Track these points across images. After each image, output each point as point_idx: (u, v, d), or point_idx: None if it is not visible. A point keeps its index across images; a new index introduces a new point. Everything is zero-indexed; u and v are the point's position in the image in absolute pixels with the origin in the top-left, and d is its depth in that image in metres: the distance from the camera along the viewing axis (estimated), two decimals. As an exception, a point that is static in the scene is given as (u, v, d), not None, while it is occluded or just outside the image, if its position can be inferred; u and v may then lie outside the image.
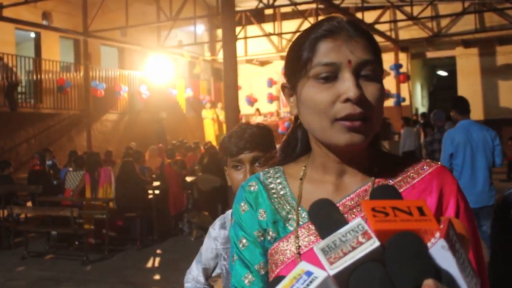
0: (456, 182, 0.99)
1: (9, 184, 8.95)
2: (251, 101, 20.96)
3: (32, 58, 14.68)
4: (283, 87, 1.06)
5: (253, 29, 20.06)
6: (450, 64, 20.59)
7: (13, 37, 14.69)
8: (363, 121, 0.92)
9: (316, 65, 0.93)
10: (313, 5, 17.06)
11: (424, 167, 1.00)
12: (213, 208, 8.82)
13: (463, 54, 18.81)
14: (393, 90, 18.91)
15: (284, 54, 1.05)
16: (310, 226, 0.98)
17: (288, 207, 1.03)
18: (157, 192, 8.82)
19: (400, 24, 18.75)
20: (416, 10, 16.56)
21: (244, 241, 1.05)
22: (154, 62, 18.05)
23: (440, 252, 0.58)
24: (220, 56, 18.10)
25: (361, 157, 1.00)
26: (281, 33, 18.80)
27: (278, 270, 0.99)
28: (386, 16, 18.79)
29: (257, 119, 18.62)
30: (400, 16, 18.19)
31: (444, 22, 18.22)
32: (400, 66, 18.98)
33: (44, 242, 8.30)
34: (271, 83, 19.94)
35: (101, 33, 15.44)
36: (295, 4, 17.10)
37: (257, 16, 19.83)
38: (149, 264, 7.48)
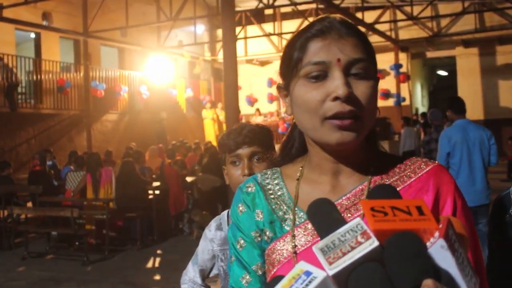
0: (454, 181, 0.99)
1: (9, 184, 8.95)
2: (251, 101, 20.98)
3: (32, 58, 14.69)
4: (278, 87, 1.07)
5: (253, 29, 20.06)
6: (450, 64, 20.60)
7: (13, 38, 14.70)
8: (354, 119, 0.92)
9: (306, 64, 0.94)
10: (313, 5, 17.07)
11: (421, 166, 1.00)
12: (213, 208, 8.82)
13: (463, 54, 18.81)
14: (393, 90, 18.93)
15: (283, 54, 1.06)
16: (306, 225, 0.99)
17: (285, 208, 1.04)
18: (157, 192, 8.82)
19: (400, 24, 18.76)
20: (416, 10, 16.56)
21: (241, 241, 1.06)
22: (154, 62, 18.06)
23: (439, 251, 0.58)
24: (220, 56, 18.10)
25: (357, 157, 1.01)
26: (281, 33, 18.80)
27: (275, 270, 1.00)
28: (386, 16, 18.79)
29: (257, 119, 18.63)
30: (400, 16, 18.19)
31: (444, 22, 18.23)
32: (400, 66, 18.99)
33: (45, 242, 8.30)
34: (271, 83, 19.95)
35: (101, 33, 15.44)
36: (295, 4, 17.11)
37: (257, 16, 19.83)
38: (150, 264, 7.48)
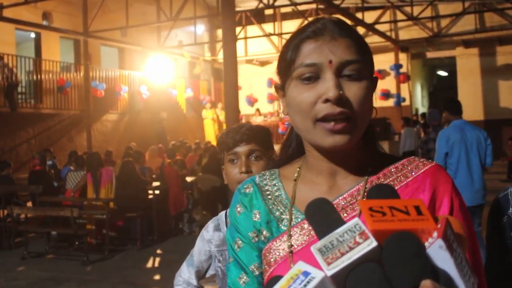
0: (451, 180, 0.99)
1: (9, 184, 8.95)
2: (251, 101, 20.98)
3: (32, 58, 14.70)
4: (276, 87, 1.07)
5: (253, 29, 20.06)
6: (450, 64, 20.60)
7: (13, 37, 14.70)
8: (346, 121, 0.92)
9: (298, 66, 0.95)
10: (313, 5, 17.08)
11: (419, 166, 1.01)
12: (213, 208, 8.82)
13: (463, 54, 18.81)
14: (393, 90, 18.93)
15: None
16: (303, 225, 1.00)
17: (282, 208, 1.05)
18: (157, 192, 8.82)
19: (400, 24, 18.76)
20: (416, 10, 16.56)
21: (239, 242, 1.07)
22: (154, 62, 18.06)
23: (437, 252, 0.58)
24: (220, 56, 18.10)
25: (354, 158, 1.01)
26: (281, 33, 18.80)
27: (271, 270, 1.00)
28: (386, 16, 18.79)
29: (257, 119, 18.64)
30: (400, 16, 18.19)
31: (444, 22, 18.23)
32: (400, 66, 18.99)
33: (44, 242, 8.29)
34: (271, 83, 19.95)
35: (101, 33, 15.45)
36: (295, 4, 17.11)
37: (257, 16, 19.83)
38: (150, 264, 7.48)
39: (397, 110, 18.34)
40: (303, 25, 1.02)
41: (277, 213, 1.04)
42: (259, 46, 20.04)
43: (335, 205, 0.97)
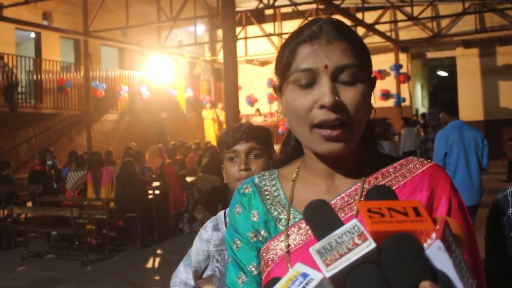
0: (450, 180, 0.99)
1: (9, 184, 8.96)
2: (251, 101, 20.99)
3: (32, 58, 14.70)
4: (274, 88, 1.07)
5: (253, 29, 20.07)
6: (450, 65, 20.61)
7: (14, 37, 14.70)
8: (342, 127, 0.92)
9: (294, 70, 0.94)
10: (313, 6, 17.08)
11: (417, 166, 1.00)
12: (213, 208, 8.83)
13: (463, 54, 18.82)
14: (393, 91, 18.94)
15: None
16: (300, 225, 1.00)
17: (280, 208, 1.05)
18: (157, 192, 8.83)
19: (400, 24, 18.76)
20: (416, 10, 16.57)
21: (238, 242, 1.07)
22: (155, 62, 18.06)
23: (436, 253, 0.58)
24: (220, 56, 18.11)
25: (351, 159, 1.01)
26: (281, 34, 18.81)
27: (268, 269, 1.01)
28: (387, 17, 18.80)
29: (257, 120, 18.65)
30: (400, 16, 18.19)
31: (444, 22, 18.24)
32: (400, 66, 18.99)
33: (44, 242, 8.30)
34: (271, 83, 19.86)
35: (102, 33, 15.45)
36: (295, 4, 17.12)
37: (258, 16, 19.84)
38: (150, 264, 7.49)
39: (397, 111, 18.34)
40: (300, 26, 1.01)
41: (275, 213, 1.05)
42: (259, 46, 20.05)
43: (332, 205, 0.98)
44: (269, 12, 19.83)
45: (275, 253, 1.01)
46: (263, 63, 21.25)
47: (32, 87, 14.63)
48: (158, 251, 8.09)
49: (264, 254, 1.03)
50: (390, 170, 1.02)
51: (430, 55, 19.90)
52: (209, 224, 1.97)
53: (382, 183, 1.00)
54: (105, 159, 10.39)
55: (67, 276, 6.79)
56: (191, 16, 16.38)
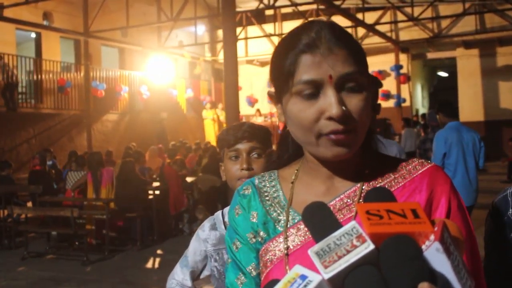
0: (449, 181, 0.98)
1: (9, 184, 8.95)
2: (252, 101, 20.99)
3: (32, 58, 14.70)
4: (270, 95, 1.06)
5: (253, 30, 20.06)
6: (450, 65, 20.60)
7: (14, 37, 14.70)
8: (348, 133, 0.92)
9: (297, 82, 0.93)
10: (314, 6, 17.07)
11: (416, 167, 1.00)
12: (213, 208, 8.83)
13: (463, 55, 18.82)
14: (393, 91, 18.93)
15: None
16: (299, 226, 1.00)
17: (279, 209, 1.06)
18: (157, 192, 8.83)
19: (400, 25, 18.76)
20: (416, 11, 16.56)
21: (237, 243, 1.07)
22: (155, 62, 18.06)
23: (434, 255, 0.58)
24: (220, 57, 18.10)
25: (351, 161, 1.01)
26: (282, 34, 18.79)
27: (267, 271, 1.01)
28: (387, 17, 18.79)
29: (257, 120, 18.64)
30: (400, 17, 18.19)
31: (444, 23, 18.23)
32: (401, 67, 18.99)
33: (44, 242, 8.30)
34: (270, 85, 19.93)
35: (102, 34, 15.44)
36: (296, 4, 17.11)
37: (258, 16, 19.83)
38: (150, 264, 7.49)
39: (397, 111, 18.33)
40: (295, 30, 0.99)
41: (274, 214, 1.05)
42: (260, 46, 20.03)
43: (331, 207, 0.98)
44: (269, 12, 19.82)
45: (273, 254, 1.01)
46: (263, 64, 21.24)
47: (32, 87, 14.63)
48: (158, 251, 8.09)
49: (263, 255, 1.03)
50: (390, 171, 1.01)
51: (431, 55, 19.90)
52: (206, 224, 1.96)
53: (381, 184, 0.99)
54: (105, 159, 10.40)
55: (67, 276, 6.79)
56: (192, 16, 16.38)
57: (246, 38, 19.82)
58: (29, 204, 9.39)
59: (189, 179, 9.68)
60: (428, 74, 23.66)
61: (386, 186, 0.98)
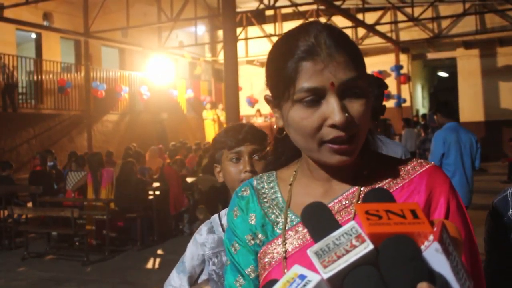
0: (449, 181, 0.98)
1: (10, 184, 8.96)
2: (252, 102, 20.98)
3: (33, 58, 14.71)
4: (266, 100, 1.05)
5: (254, 30, 20.06)
6: (450, 65, 20.59)
7: (14, 38, 14.71)
8: (350, 139, 0.92)
9: (299, 90, 0.91)
10: (314, 6, 17.06)
11: (415, 168, 1.00)
12: (214, 208, 8.83)
13: (463, 55, 18.81)
14: (393, 91, 18.91)
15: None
16: (297, 228, 1.00)
17: (277, 211, 1.05)
18: (157, 193, 8.83)
19: (400, 25, 18.75)
20: (417, 11, 16.55)
21: (236, 245, 1.07)
22: (155, 62, 18.06)
23: (433, 255, 0.59)
24: (221, 57, 18.10)
25: (350, 164, 1.00)
26: (282, 34, 18.77)
27: (266, 273, 1.01)
28: (387, 17, 18.79)
29: (258, 120, 18.65)
30: (401, 17, 18.18)
31: (444, 23, 18.22)
32: (401, 67, 18.98)
33: (45, 242, 8.30)
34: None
35: (102, 34, 15.45)
36: (296, 5, 17.11)
37: (258, 17, 19.83)
38: (150, 265, 7.49)
39: (397, 111, 18.32)
40: (291, 33, 0.98)
41: (272, 216, 1.05)
42: (260, 46, 20.02)
43: (330, 208, 0.98)
44: (269, 12, 19.82)
45: (272, 257, 1.01)
46: (263, 64, 20.72)
47: (32, 88, 14.63)
48: (159, 252, 8.09)
49: (261, 258, 1.03)
50: (388, 172, 1.01)
51: (431, 56, 19.89)
52: (203, 228, 1.94)
53: (380, 186, 0.99)
54: (105, 159, 10.40)
55: (67, 276, 6.79)
56: (192, 16, 16.38)
57: (246, 39, 19.82)
58: (29, 204, 9.40)
59: (189, 180, 9.67)
60: (428, 75, 23.65)
61: (385, 187, 0.98)
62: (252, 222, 1.06)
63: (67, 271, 7.07)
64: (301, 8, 17.59)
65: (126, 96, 17.01)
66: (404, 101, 19.13)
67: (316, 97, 0.91)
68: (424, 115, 17.78)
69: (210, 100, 19.86)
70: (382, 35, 17.75)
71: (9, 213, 8.26)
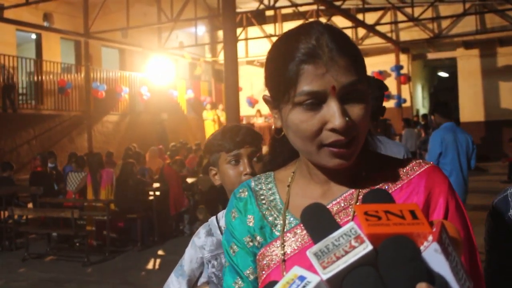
0: (448, 181, 0.98)
1: (10, 185, 8.96)
2: (252, 102, 20.99)
3: (33, 59, 14.71)
4: (265, 100, 1.04)
5: (254, 30, 20.07)
6: (451, 65, 20.60)
7: (14, 38, 14.71)
8: (350, 142, 0.92)
9: (299, 93, 0.90)
10: (314, 6, 17.07)
11: (414, 168, 0.99)
12: (214, 209, 8.83)
13: (464, 55, 18.82)
14: (394, 91, 18.92)
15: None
16: (296, 231, 1.00)
17: (275, 213, 1.05)
18: (157, 193, 8.83)
19: (401, 25, 18.76)
20: (417, 11, 16.56)
21: (234, 247, 1.07)
22: (155, 63, 18.06)
23: (433, 255, 0.58)
24: (221, 57, 18.11)
25: (349, 165, 0.99)
26: (282, 34, 18.76)
27: (265, 275, 1.01)
28: (387, 17, 18.79)
29: (258, 121, 18.66)
30: (401, 17, 18.19)
31: (445, 23, 18.23)
32: (401, 67, 18.99)
33: (45, 243, 8.30)
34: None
35: (102, 34, 15.45)
36: (296, 5, 17.11)
37: (258, 17, 19.84)
38: (150, 265, 7.49)
39: (397, 111, 18.33)
40: (292, 34, 0.96)
41: (271, 218, 1.04)
42: (260, 47, 20.02)
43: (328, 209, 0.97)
44: (269, 13, 19.83)
45: (270, 259, 1.00)
46: (263, 64, 20.71)
47: (32, 88, 14.63)
48: (159, 252, 8.09)
49: (260, 260, 1.02)
50: (387, 173, 1.00)
51: (431, 56, 19.90)
52: (202, 231, 1.93)
53: (378, 187, 0.99)
54: (105, 160, 10.40)
55: (68, 277, 6.79)
56: (192, 17, 16.39)
57: (246, 39, 19.83)
58: (30, 205, 9.40)
59: (189, 180, 9.67)
60: (428, 75, 23.65)
61: (384, 188, 0.98)
62: (251, 224, 1.06)
63: (68, 272, 7.07)
64: (301, 9, 17.60)
65: (126, 96, 17.01)
66: (404, 101, 19.13)
67: (316, 101, 0.90)
68: (424, 115, 17.78)
69: (210, 100, 19.87)
70: (382, 35, 17.75)
71: (10, 214, 8.25)
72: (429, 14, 17.20)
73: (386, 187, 0.99)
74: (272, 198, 1.07)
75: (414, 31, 18.60)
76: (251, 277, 1.04)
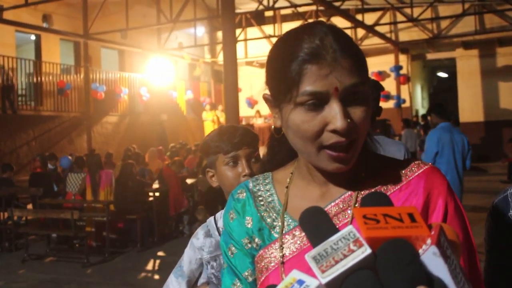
0: (446, 182, 0.97)
1: (10, 186, 8.95)
2: (252, 103, 21.00)
3: (32, 60, 14.71)
4: (265, 99, 1.03)
5: (253, 31, 20.07)
6: (450, 66, 20.60)
7: (14, 40, 14.72)
8: (350, 145, 0.92)
9: (302, 93, 0.90)
10: (313, 7, 17.07)
11: (413, 169, 0.99)
12: (213, 209, 8.82)
13: (463, 55, 18.81)
14: (393, 92, 18.93)
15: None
16: (294, 233, 0.99)
17: (274, 215, 1.04)
18: (157, 194, 8.83)
19: (400, 25, 18.76)
20: (416, 11, 16.56)
21: (233, 249, 1.06)
22: (155, 64, 18.07)
23: (431, 258, 0.58)
24: (220, 58, 18.10)
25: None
26: (285, 33, 18.74)
27: (263, 278, 1.00)
28: (386, 18, 18.79)
29: (257, 121, 18.66)
30: (400, 17, 18.20)
31: (444, 23, 18.23)
32: (400, 67, 18.99)
33: (45, 244, 8.29)
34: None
35: (102, 36, 15.44)
36: (295, 6, 17.11)
37: (257, 18, 19.84)
38: (150, 266, 7.48)
39: (397, 112, 18.33)
40: (295, 34, 0.96)
41: (269, 219, 1.04)
42: (259, 48, 20.02)
43: (327, 212, 0.97)
44: (269, 13, 19.83)
45: (269, 261, 1.00)
46: (263, 65, 20.95)
47: (32, 90, 14.62)
48: (159, 253, 8.08)
49: (258, 262, 1.02)
50: (386, 174, 1.00)
51: (430, 56, 19.90)
52: (200, 232, 1.93)
53: (377, 188, 0.98)
54: (105, 161, 10.40)
55: (68, 278, 6.79)
56: (191, 18, 16.38)
57: (245, 40, 19.82)
58: (29, 206, 9.40)
59: (189, 181, 9.67)
60: (427, 75, 23.66)
61: (382, 190, 0.98)
62: (249, 226, 1.05)
63: (67, 273, 7.07)
64: (301, 9, 17.59)
65: (126, 97, 17.00)
66: (404, 101, 19.14)
67: (318, 101, 0.90)
68: (424, 116, 17.77)
69: (209, 101, 19.87)
70: (381, 35, 17.76)
71: (9, 215, 8.25)
72: (428, 14, 17.20)
73: (385, 188, 0.98)
74: (270, 199, 1.07)
75: (413, 31, 18.60)
76: (250, 279, 1.04)
